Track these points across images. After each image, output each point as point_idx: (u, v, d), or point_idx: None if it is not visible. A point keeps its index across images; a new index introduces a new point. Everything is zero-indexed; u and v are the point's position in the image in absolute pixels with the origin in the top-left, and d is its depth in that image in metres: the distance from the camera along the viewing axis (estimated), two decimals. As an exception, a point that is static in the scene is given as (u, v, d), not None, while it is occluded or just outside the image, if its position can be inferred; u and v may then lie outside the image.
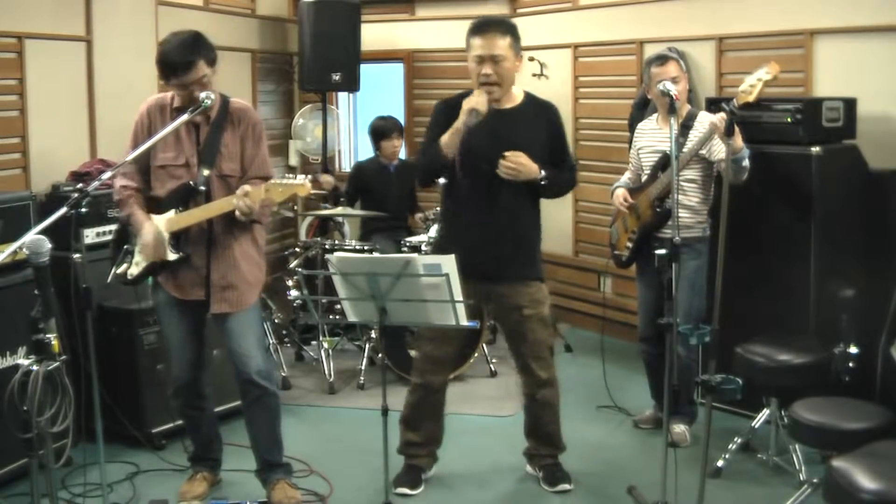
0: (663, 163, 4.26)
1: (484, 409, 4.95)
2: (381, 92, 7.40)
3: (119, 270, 3.69)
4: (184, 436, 4.18)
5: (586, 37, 6.29)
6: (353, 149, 7.77)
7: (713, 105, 4.53)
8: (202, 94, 3.48)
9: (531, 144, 3.69)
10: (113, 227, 4.44)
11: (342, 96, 7.49)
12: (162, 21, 5.50)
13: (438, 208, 5.45)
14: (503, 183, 3.69)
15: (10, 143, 4.59)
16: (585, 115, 6.38)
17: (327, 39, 6.40)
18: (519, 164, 3.63)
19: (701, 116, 4.28)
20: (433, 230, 5.43)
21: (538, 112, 3.84)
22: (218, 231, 3.62)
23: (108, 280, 3.75)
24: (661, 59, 4.29)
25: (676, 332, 3.24)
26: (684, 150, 4.13)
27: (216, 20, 6.26)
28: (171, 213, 3.58)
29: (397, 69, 7.27)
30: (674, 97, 3.52)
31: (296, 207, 6.50)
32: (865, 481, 2.67)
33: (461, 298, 3.21)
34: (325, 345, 5.44)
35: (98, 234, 4.43)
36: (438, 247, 3.96)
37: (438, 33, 7.00)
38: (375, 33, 6.95)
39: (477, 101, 3.59)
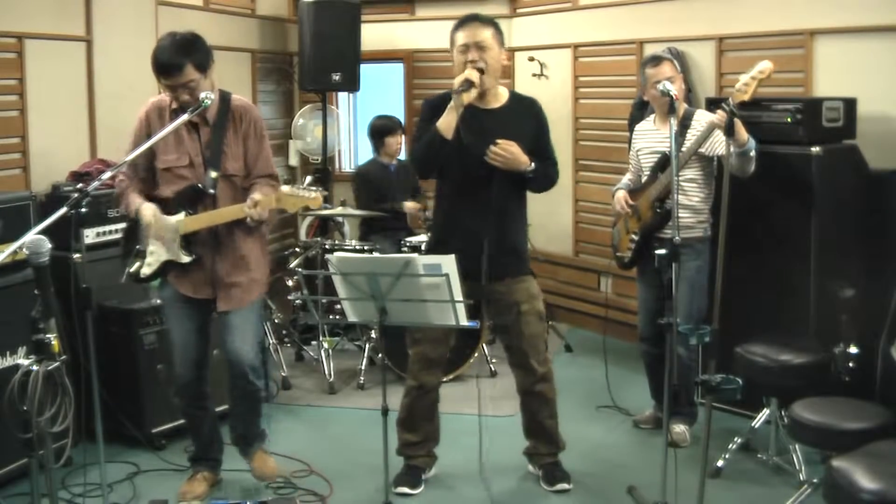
0: (663, 163, 4.26)
1: (484, 409, 4.95)
2: (381, 92, 7.40)
3: (132, 270, 3.73)
4: (185, 436, 4.19)
5: (586, 37, 6.29)
6: (353, 149, 7.77)
7: (713, 105, 4.53)
8: (202, 95, 3.49)
9: (520, 141, 3.70)
10: (113, 227, 4.49)
11: (342, 96, 7.49)
12: (162, 21, 5.50)
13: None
14: (493, 181, 3.70)
15: (10, 143, 4.58)
16: (585, 115, 6.38)
17: (327, 39, 6.40)
18: (509, 151, 3.64)
19: (698, 115, 4.28)
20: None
21: (523, 109, 3.85)
22: (225, 230, 3.66)
23: (123, 280, 3.80)
24: (656, 61, 4.30)
25: (676, 333, 3.24)
26: (683, 148, 4.13)
27: (216, 20, 6.26)
28: (182, 216, 3.61)
29: (397, 69, 7.27)
30: (674, 97, 3.52)
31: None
32: (865, 481, 2.67)
33: (461, 298, 3.21)
34: (325, 345, 5.44)
35: (98, 234, 4.44)
36: (431, 246, 3.96)
37: (438, 33, 6.94)
38: (375, 33, 6.95)
39: (468, 73, 3.60)
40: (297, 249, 6.00)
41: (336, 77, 6.46)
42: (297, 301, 5.62)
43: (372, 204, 5.84)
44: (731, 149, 3.85)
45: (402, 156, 6.13)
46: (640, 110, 5.21)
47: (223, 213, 3.60)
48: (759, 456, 4.12)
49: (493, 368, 5.50)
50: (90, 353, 3.00)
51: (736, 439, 4.14)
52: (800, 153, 4.32)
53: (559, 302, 6.56)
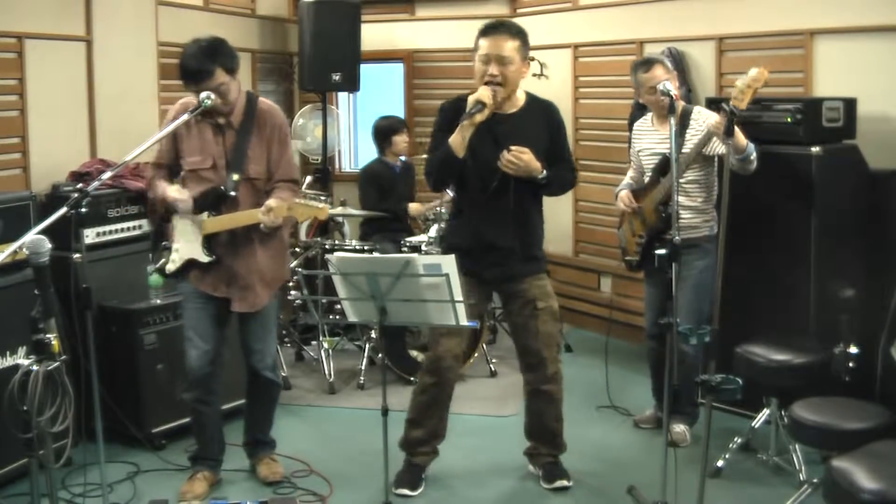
0: (664, 166, 4.24)
1: (484, 409, 4.96)
2: (381, 92, 7.40)
3: (158, 265, 3.82)
4: (185, 435, 4.19)
5: (586, 37, 6.29)
6: (353, 149, 7.77)
7: (713, 105, 4.53)
8: (202, 95, 3.51)
9: (534, 147, 3.70)
10: (113, 227, 4.50)
11: (342, 96, 7.49)
12: (162, 21, 5.50)
13: (439, 209, 5.47)
14: (509, 186, 3.70)
15: (10, 143, 4.58)
16: (585, 115, 6.38)
17: (327, 39, 6.40)
18: (520, 158, 3.64)
19: (696, 113, 4.27)
20: (433, 230, 5.44)
21: (539, 113, 3.85)
22: (244, 234, 3.72)
23: (149, 272, 3.94)
24: (647, 65, 4.27)
25: (677, 332, 3.24)
26: (684, 150, 4.13)
27: (216, 20, 6.26)
28: (204, 216, 3.69)
29: (397, 69, 7.27)
30: (674, 97, 3.52)
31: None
32: (865, 481, 2.67)
33: (461, 298, 3.21)
34: (325, 345, 5.44)
35: (98, 234, 4.43)
36: (447, 250, 3.95)
37: (438, 33, 7.00)
38: (375, 33, 6.95)
39: (481, 94, 3.61)
40: (297, 249, 6.00)
41: (336, 77, 6.46)
42: (297, 301, 5.62)
43: (377, 204, 5.84)
44: (731, 158, 3.85)
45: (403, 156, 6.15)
46: (641, 110, 5.18)
47: (240, 217, 3.67)
48: (759, 456, 4.13)
49: (493, 368, 5.50)
50: (90, 353, 3.00)
51: (736, 439, 4.14)
52: (800, 153, 4.32)
53: (559, 302, 6.53)
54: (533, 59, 6.36)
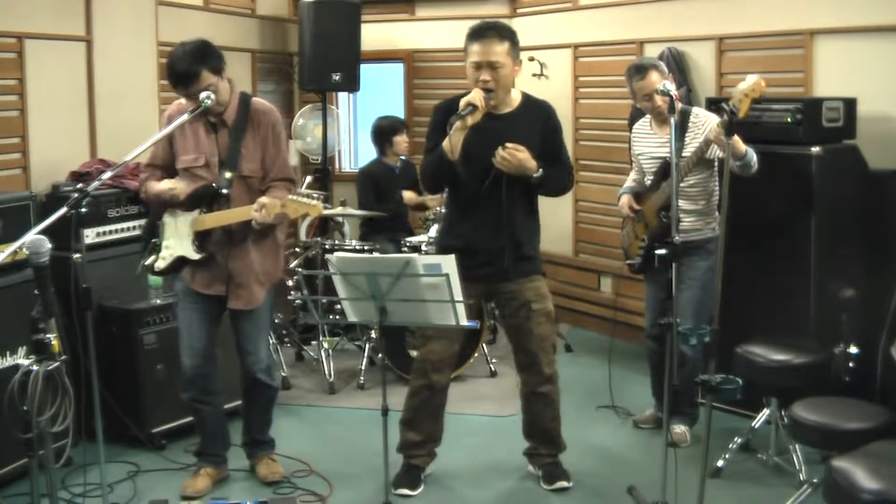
0: (664, 171, 4.23)
1: (484, 409, 4.96)
2: (381, 92, 7.40)
3: (147, 262, 3.82)
4: (185, 435, 4.20)
5: (586, 37, 6.29)
6: (354, 149, 7.77)
7: (713, 105, 4.53)
8: (202, 95, 3.53)
9: (529, 146, 3.70)
10: (113, 227, 4.50)
11: (342, 96, 7.48)
12: (162, 21, 5.50)
13: (439, 209, 5.47)
14: (504, 185, 3.70)
15: (10, 143, 4.58)
16: (585, 115, 6.38)
17: (327, 39, 6.40)
18: (514, 156, 3.64)
19: (694, 116, 4.26)
20: (433, 230, 5.43)
21: (534, 113, 3.85)
22: (239, 231, 3.71)
23: (138, 271, 3.89)
24: (640, 72, 4.23)
25: (677, 333, 3.24)
26: (684, 154, 4.12)
27: (216, 20, 6.26)
28: (196, 213, 3.68)
29: (397, 69, 7.27)
30: (673, 97, 3.51)
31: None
32: (865, 481, 2.67)
33: (461, 298, 3.21)
34: (325, 345, 5.44)
35: (98, 234, 4.44)
36: (440, 251, 3.96)
37: (438, 33, 7.00)
38: (375, 33, 6.95)
39: (473, 97, 3.61)
40: (297, 249, 6.00)
41: (336, 77, 6.46)
42: (297, 301, 5.62)
43: (374, 204, 5.84)
44: (732, 162, 3.85)
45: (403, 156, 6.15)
46: (640, 111, 5.20)
47: (231, 214, 3.67)
48: (759, 456, 4.12)
49: (493, 368, 5.50)
50: (90, 353, 3.00)
51: (736, 439, 4.14)
52: (800, 153, 4.32)
53: (559, 302, 6.53)
54: (532, 59, 6.42)
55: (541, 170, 3.70)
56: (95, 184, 3.11)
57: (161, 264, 3.77)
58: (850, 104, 4.51)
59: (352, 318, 3.49)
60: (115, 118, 5.06)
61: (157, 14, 5.50)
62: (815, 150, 4.28)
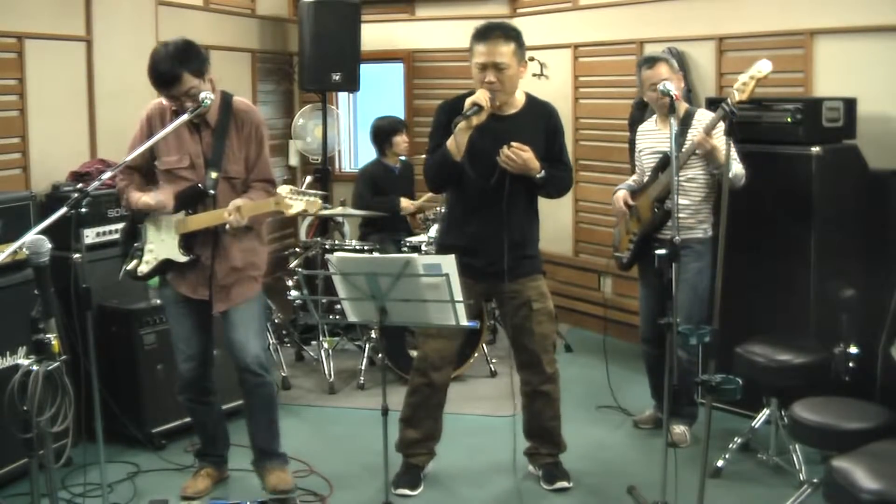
0: (663, 163, 4.26)
1: (484, 409, 4.96)
2: (381, 92, 7.40)
3: (129, 267, 3.75)
4: (185, 435, 4.19)
5: (586, 37, 6.29)
6: (353, 149, 7.77)
7: (713, 105, 4.54)
8: (202, 95, 3.49)
9: (533, 147, 3.69)
10: (113, 227, 4.49)
11: (342, 96, 7.49)
12: (162, 21, 5.50)
13: (439, 209, 5.47)
14: (506, 185, 3.70)
15: (10, 143, 4.58)
16: (585, 115, 6.38)
17: (327, 39, 6.40)
18: (519, 156, 3.64)
19: (699, 115, 4.28)
20: (433, 230, 5.43)
21: (538, 113, 3.85)
22: (221, 231, 3.65)
23: (120, 277, 3.81)
24: (651, 62, 4.28)
25: (676, 333, 3.24)
26: (683, 149, 4.13)
27: (216, 20, 6.26)
28: (181, 215, 3.62)
29: (397, 69, 7.27)
30: (674, 97, 3.52)
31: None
32: (865, 481, 2.67)
33: (461, 298, 3.21)
34: (325, 345, 5.44)
35: (98, 234, 4.44)
36: (441, 250, 3.95)
37: (438, 33, 7.00)
38: (375, 33, 6.95)
39: (479, 97, 3.60)
40: (297, 249, 6.00)
41: (336, 77, 6.46)
42: (297, 301, 5.62)
43: (373, 203, 5.84)
44: (711, 169, 3.86)
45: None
46: (640, 110, 5.21)
47: (206, 218, 3.59)
48: (759, 456, 4.12)
49: (493, 368, 5.50)
50: (90, 353, 3.00)
51: (736, 439, 4.14)
52: (800, 153, 4.32)
53: (559, 302, 6.53)
54: (532, 59, 6.42)
55: (544, 170, 3.70)
56: (95, 184, 3.10)
57: (144, 268, 3.70)
58: (850, 104, 4.51)
59: (352, 318, 3.48)
60: (115, 118, 5.06)
61: (157, 14, 5.50)
62: (815, 150, 4.28)
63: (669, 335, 3.25)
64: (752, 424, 4.18)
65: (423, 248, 5.31)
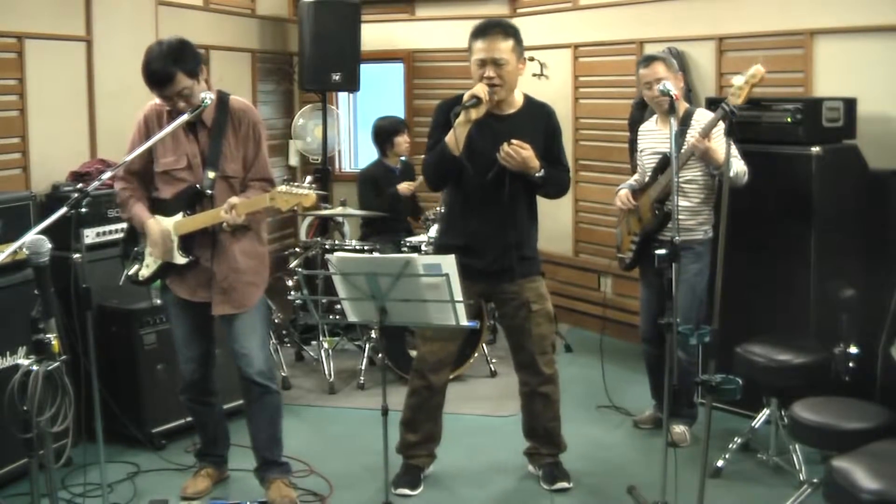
0: (662, 164, 4.26)
1: (484, 409, 4.96)
2: (381, 92, 7.41)
3: (130, 272, 3.75)
4: (185, 435, 4.19)
5: (586, 37, 6.29)
6: (353, 149, 7.77)
7: (713, 105, 4.54)
8: (202, 95, 3.48)
9: (532, 147, 3.69)
10: (113, 227, 4.49)
11: (342, 96, 7.49)
12: (162, 21, 5.50)
13: (439, 209, 5.47)
14: (505, 185, 3.70)
15: (10, 143, 4.58)
16: (585, 115, 6.38)
17: (327, 39, 6.40)
18: (518, 153, 3.63)
19: (698, 115, 4.28)
20: (433, 230, 5.43)
21: (536, 114, 3.85)
22: (218, 230, 3.63)
23: (121, 282, 3.81)
24: (647, 61, 4.30)
25: (676, 333, 3.24)
26: (683, 149, 4.13)
27: (216, 20, 6.26)
28: (179, 216, 3.61)
29: (397, 69, 7.27)
30: (674, 97, 3.52)
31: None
32: (865, 481, 2.67)
33: (461, 298, 3.21)
34: (325, 345, 5.44)
35: (98, 234, 4.44)
36: (440, 249, 3.95)
37: (438, 33, 7.00)
38: (375, 33, 6.95)
39: (477, 89, 3.60)
40: (297, 249, 6.00)
41: (336, 77, 6.47)
42: (297, 301, 5.62)
43: (374, 204, 5.84)
44: (711, 170, 3.84)
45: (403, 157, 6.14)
46: (640, 110, 5.21)
47: (203, 218, 3.57)
48: (759, 456, 4.12)
49: (493, 368, 5.50)
50: (90, 353, 3.00)
51: (736, 439, 4.14)
52: (800, 153, 4.32)
53: (559, 302, 6.54)
54: (532, 59, 6.42)
55: (543, 169, 3.70)
56: (95, 184, 3.09)
57: (145, 272, 3.69)
58: (850, 104, 4.51)
59: (352, 318, 3.48)
60: (115, 118, 5.06)
61: (157, 14, 5.50)
62: (815, 150, 4.28)
63: (669, 335, 3.25)
64: (752, 424, 4.18)
65: (423, 248, 5.31)
